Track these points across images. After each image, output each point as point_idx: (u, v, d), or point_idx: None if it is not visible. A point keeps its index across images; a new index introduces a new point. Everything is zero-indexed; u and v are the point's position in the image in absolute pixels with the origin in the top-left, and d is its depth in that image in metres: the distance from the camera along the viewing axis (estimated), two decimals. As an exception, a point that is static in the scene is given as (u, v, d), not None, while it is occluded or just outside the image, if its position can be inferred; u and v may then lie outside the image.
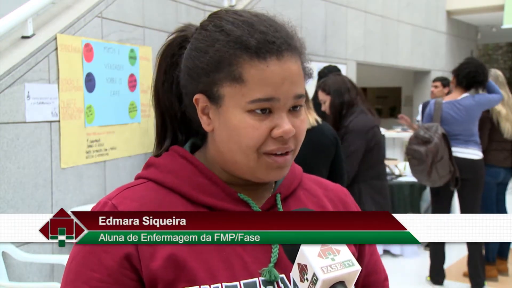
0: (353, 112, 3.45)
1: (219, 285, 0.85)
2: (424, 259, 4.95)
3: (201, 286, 0.85)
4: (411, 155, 4.19)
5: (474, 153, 4.26)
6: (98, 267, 0.86)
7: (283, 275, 0.89)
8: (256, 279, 0.88)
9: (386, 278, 1.07)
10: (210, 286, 0.85)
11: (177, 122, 1.00)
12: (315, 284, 0.76)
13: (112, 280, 0.86)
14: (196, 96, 0.91)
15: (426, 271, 4.61)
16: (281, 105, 0.87)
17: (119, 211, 0.88)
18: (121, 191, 0.92)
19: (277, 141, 0.88)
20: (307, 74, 0.94)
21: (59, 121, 3.45)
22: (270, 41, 0.86)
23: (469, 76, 4.23)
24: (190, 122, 0.99)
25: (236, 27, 0.88)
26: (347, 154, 3.35)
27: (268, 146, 0.88)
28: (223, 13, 0.92)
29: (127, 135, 4.13)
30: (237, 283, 0.86)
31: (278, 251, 0.90)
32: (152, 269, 0.85)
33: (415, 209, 5.52)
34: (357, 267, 0.78)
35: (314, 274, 0.76)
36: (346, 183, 3.25)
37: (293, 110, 0.90)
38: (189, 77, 0.92)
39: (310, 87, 5.01)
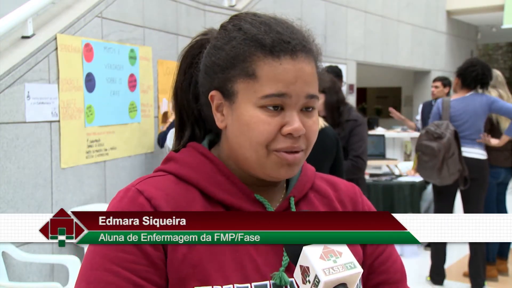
0: (350, 106, 3.60)
1: (231, 286, 0.86)
2: (424, 259, 4.95)
3: (214, 286, 0.85)
4: (421, 151, 4.18)
5: (480, 153, 4.27)
6: (130, 248, 0.84)
7: (292, 279, 0.90)
8: (267, 282, 0.89)
9: (402, 279, 1.05)
10: (222, 287, 0.85)
11: (194, 120, 1.01)
12: (317, 286, 0.76)
13: (147, 262, 0.85)
14: (212, 93, 0.93)
15: (426, 271, 4.61)
16: (293, 103, 0.88)
17: (145, 196, 0.88)
18: (144, 179, 0.92)
19: (287, 139, 0.89)
20: (321, 79, 0.95)
21: (59, 121, 3.45)
22: (285, 40, 0.88)
23: (477, 78, 4.26)
24: (205, 121, 1.01)
25: (254, 26, 0.90)
26: (362, 146, 3.47)
27: (277, 143, 0.89)
28: (243, 15, 0.95)
29: (127, 135, 4.13)
30: (248, 285, 0.87)
31: (287, 255, 0.90)
32: (172, 261, 0.86)
33: (415, 209, 5.51)
34: (359, 269, 0.78)
35: (316, 276, 0.77)
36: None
37: (306, 110, 0.90)
38: (206, 75, 0.94)
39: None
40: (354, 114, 3.62)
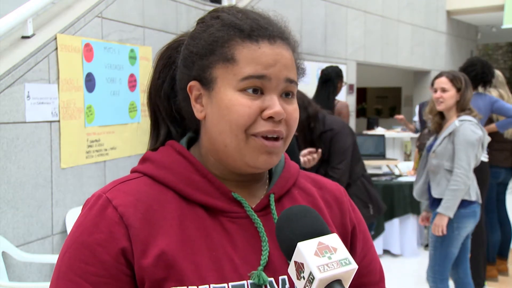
0: (322, 116, 3.38)
1: (207, 286, 0.85)
2: (424, 259, 4.94)
3: (189, 287, 0.84)
4: (424, 150, 4.20)
5: (482, 155, 4.28)
6: (93, 260, 0.85)
7: (271, 279, 0.89)
8: (244, 281, 0.87)
9: (381, 279, 1.06)
10: (198, 287, 0.84)
11: (169, 119, 1.01)
12: (311, 282, 0.75)
13: (107, 274, 0.85)
14: (190, 83, 0.92)
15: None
16: (273, 86, 0.88)
17: (113, 205, 0.88)
18: (115, 185, 0.92)
19: (267, 123, 0.88)
20: (300, 71, 0.95)
21: (59, 121, 3.45)
22: (263, 26, 0.89)
23: (477, 78, 4.27)
24: (182, 120, 1.01)
25: (231, 15, 0.91)
26: (341, 155, 3.33)
27: (258, 127, 0.88)
28: (219, 8, 0.96)
29: (127, 135, 4.13)
30: (225, 284, 0.86)
31: (267, 254, 0.90)
32: (142, 266, 0.85)
33: (415, 209, 5.51)
34: (354, 266, 0.78)
35: (310, 273, 0.75)
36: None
37: (286, 97, 0.91)
38: (184, 67, 0.94)
39: (311, 87, 5.01)
40: (328, 122, 3.40)
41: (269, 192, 0.96)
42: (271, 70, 0.87)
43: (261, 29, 0.88)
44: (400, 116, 6.58)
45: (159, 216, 0.88)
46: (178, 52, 0.97)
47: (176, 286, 0.84)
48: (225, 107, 0.88)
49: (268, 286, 0.88)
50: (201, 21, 0.95)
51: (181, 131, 1.02)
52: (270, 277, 0.89)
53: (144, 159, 0.97)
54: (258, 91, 0.88)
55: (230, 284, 0.86)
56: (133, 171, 0.97)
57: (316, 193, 1.02)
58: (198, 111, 0.93)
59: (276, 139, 0.90)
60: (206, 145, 0.95)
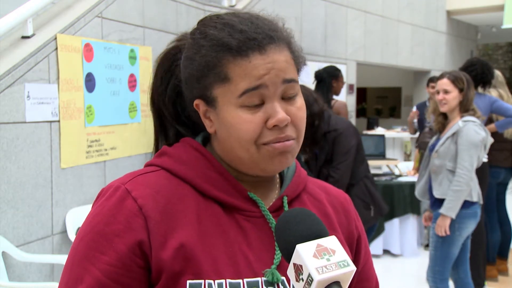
0: (328, 116, 3.34)
1: (223, 281, 0.86)
2: (424, 259, 4.94)
3: (206, 280, 0.86)
4: (424, 149, 4.20)
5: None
6: (108, 249, 0.86)
7: (283, 278, 0.91)
8: (259, 278, 0.89)
9: (377, 285, 1.09)
10: (214, 281, 0.86)
11: (176, 122, 1.02)
12: (310, 284, 0.76)
13: (121, 264, 0.85)
14: (195, 101, 0.94)
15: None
16: (271, 93, 0.89)
17: (133, 196, 0.88)
18: (134, 177, 0.93)
19: (274, 131, 0.89)
20: (300, 61, 0.95)
21: (59, 121, 3.45)
22: (250, 38, 0.88)
23: (477, 78, 4.27)
24: (191, 123, 1.02)
25: (218, 30, 0.90)
26: (343, 156, 3.32)
27: (265, 137, 0.89)
28: (207, 20, 0.95)
29: (127, 135, 4.13)
30: (240, 280, 0.88)
31: (281, 253, 0.91)
32: (161, 259, 0.86)
33: (415, 209, 5.52)
34: (352, 268, 0.78)
35: (309, 275, 0.76)
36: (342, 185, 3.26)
37: (288, 98, 0.91)
38: (186, 85, 0.95)
39: (311, 87, 5.01)
40: (333, 123, 3.37)
41: (282, 194, 0.98)
42: (265, 78, 0.88)
43: (249, 42, 0.88)
44: (414, 111, 6.31)
45: (177, 210, 0.89)
46: (178, 59, 0.98)
47: (193, 279, 0.85)
48: (230, 125, 0.89)
49: (280, 284, 0.90)
50: (192, 38, 0.94)
51: (190, 131, 1.03)
52: (282, 276, 0.90)
53: (161, 153, 0.98)
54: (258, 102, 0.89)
55: (245, 280, 0.88)
56: (149, 164, 0.97)
57: (324, 198, 1.04)
58: (208, 126, 0.95)
59: (286, 141, 0.91)
60: (220, 152, 0.96)
